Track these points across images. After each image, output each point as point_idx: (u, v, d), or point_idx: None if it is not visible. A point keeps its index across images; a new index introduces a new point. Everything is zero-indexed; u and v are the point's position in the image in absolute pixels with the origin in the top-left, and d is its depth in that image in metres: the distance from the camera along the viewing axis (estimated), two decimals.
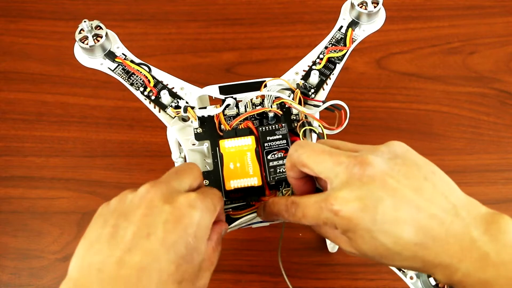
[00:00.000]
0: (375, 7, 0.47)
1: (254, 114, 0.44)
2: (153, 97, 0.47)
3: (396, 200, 0.29)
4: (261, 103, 0.45)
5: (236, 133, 0.43)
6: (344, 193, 0.30)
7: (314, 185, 0.37)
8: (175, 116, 0.46)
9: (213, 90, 0.44)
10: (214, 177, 0.42)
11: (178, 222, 0.29)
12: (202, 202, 0.31)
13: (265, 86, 0.44)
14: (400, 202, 0.29)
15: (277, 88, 0.45)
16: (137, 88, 0.47)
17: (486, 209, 0.30)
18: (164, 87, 0.47)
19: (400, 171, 0.30)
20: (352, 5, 0.48)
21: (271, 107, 0.44)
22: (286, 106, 0.45)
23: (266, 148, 0.41)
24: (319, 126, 0.44)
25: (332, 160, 0.32)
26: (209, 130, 0.45)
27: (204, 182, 0.42)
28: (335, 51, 0.48)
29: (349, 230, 0.30)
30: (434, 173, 0.31)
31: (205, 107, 0.45)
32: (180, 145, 0.47)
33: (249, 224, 0.42)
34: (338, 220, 0.30)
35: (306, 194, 0.35)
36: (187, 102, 0.46)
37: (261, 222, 0.42)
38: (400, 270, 0.40)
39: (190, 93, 0.47)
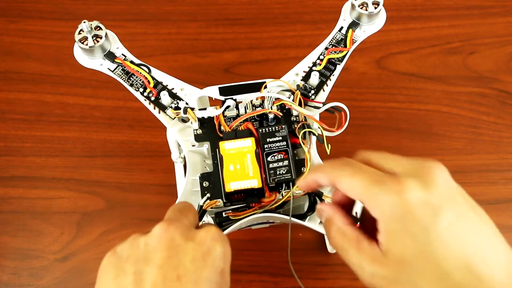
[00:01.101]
0: (375, 8, 0.47)
1: (254, 116, 0.44)
2: (153, 98, 0.47)
3: (460, 213, 0.28)
4: (261, 105, 0.45)
5: (236, 134, 0.43)
6: (410, 185, 0.28)
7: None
8: (175, 117, 0.46)
9: (213, 91, 0.44)
10: (214, 178, 0.42)
11: (206, 258, 0.29)
12: (222, 235, 0.31)
13: (265, 87, 0.44)
14: (464, 217, 0.27)
15: (277, 89, 0.45)
16: (137, 89, 0.47)
17: None
18: (164, 88, 0.47)
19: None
20: (353, 6, 0.48)
21: (271, 109, 0.44)
22: (286, 107, 0.45)
23: (266, 149, 0.42)
24: (319, 127, 0.44)
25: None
26: (209, 132, 0.45)
27: (204, 184, 0.43)
28: (335, 52, 0.48)
29: (402, 220, 0.27)
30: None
31: (205, 108, 0.45)
32: (180, 146, 0.47)
33: (249, 226, 0.42)
34: (395, 203, 0.27)
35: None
36: (187, 103, 0.46)
37: (260, 224, 0.42)
38: None
39: (190, 94, 0.47)
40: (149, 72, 0.48)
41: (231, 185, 0.40)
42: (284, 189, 0.41)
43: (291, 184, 0.41)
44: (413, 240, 0.27)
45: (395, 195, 0.27)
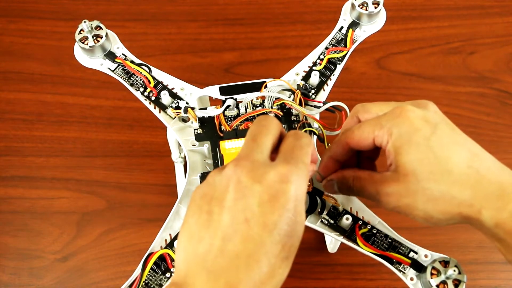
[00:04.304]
0: (375, 7, 0.47)
1: (254, 115, 0.44)
2: (153, 98, 0.47)
3: (452, 128, 0.33)
4: (262, 104, 0.45)
5: (236, 134, 0.43)
6: (409, 107, 0.33)
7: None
8: (175, 117, 0.46)
9: (214, 91, 0.44)
10: None
11: (273, 201, 0.28)
12: (294, 172, 0.29)
13: (266, 87, 0.44)
14: (455, 131, 0.33)
15: (277, 89, 0.45)
16: (137, 89, 0.47)
17: None
18: (164, 87, 0.47)
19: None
20: (353, 5, 0.48)
21: (272, 108, 0.44)
22: (287, 107, 0.45)
23: None
24: (319, 127, 0.44)
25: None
26: (210, 131, 0.45)
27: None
28: (335, 52, 0.48)
29: (407, 134, 0.32)
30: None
31: (206, 108, 0.45)
32: (180, 145, 0.47)
33: None
34: (400, 122, 0.33)
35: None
36: (187, 103, 0.46)
37: None
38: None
39: (190, 93, 0.47)
40: (150, 71, 0.48)
41: None
42: None
43: None
44: (418, 149, 0.32)
45: (399, 117, 0.33)
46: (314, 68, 0.48)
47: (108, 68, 0.48)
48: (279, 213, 0.28)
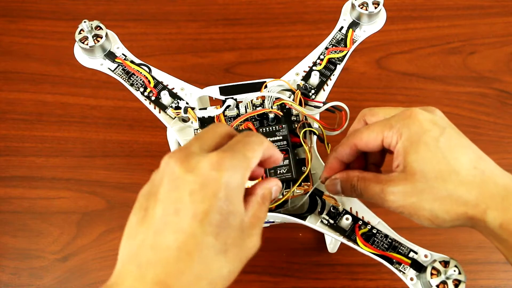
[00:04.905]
0: (376, 7, 0.47)
1: (254, 115, 0.44)
2: (153, 98, 0.47)
3: (458, 132, 0.34)
4: (262, 104, 0.45)
5: None
6: (419, 110, 0.34)
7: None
8: (175, 117, 0.46)
9: (214, 91, 0.44)
10: None
11: (204, 190, 0.27)
12: (228, 160, 0.28)
13: (266, 87, 0.44)
14: (461, 135, 0.34)
15: (277, 89, 0.45)
16: (137, 89, 0.47)
17: None
18: (164, 87, 0.47)
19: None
20: (353, 5, 0.48)
21: (272, 108, 0.44)
22: (287, 107, 0.45)
23: None
24: (319, 127, 0.44)
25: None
26: None
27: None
28: (335, 52, 0.48)
29: (417, 134, 0.33)
30: None
31: (206, 108, 0.45)
32: (180, 145, 0.47)
33: None
34: (410, 122, 0.33)
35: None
36: (187, 103, 0.46)
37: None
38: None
39: (190, 93, 0.47)
40: (150, 71, 0.48)
41: None
42: (285, 188, 0.41)
43: (291, 183, 0.41)
44: (427, 149, 0.33)
45: (409, 118, 0.34)
46: (314, 68, 0.48)
47: (108, 68, 0.48)
48: (209, 202, 0.27)
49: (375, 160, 0.39)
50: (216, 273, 0.27)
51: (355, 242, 0.41)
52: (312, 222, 0.42)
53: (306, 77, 0.47)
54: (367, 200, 0.37)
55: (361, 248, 0.40)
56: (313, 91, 0.47)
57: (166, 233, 0.27)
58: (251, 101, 0.45)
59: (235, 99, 0.44)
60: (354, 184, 0.36)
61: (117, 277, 0.28)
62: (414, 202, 0.33)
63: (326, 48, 0.48)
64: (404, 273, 0.40)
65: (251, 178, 0.32)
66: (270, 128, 0.43)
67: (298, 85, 0.47)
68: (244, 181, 0.29)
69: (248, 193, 0.31)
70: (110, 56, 0.48)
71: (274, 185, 0.33)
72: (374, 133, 0.35)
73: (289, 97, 0.45)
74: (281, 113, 0.44)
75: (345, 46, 0.48)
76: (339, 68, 0.48)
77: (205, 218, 0.27)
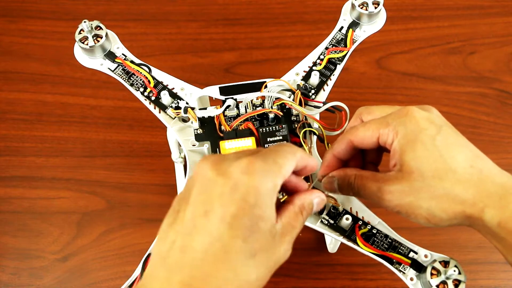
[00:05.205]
0: (375, 8, 0.47)
1: (254, 115, 0.44)
2: (153, 98, 0.47)
3: (455, 131, 0.34)
4: (262, 104, 0.45)
5: (236, 134, 0.43)
6: (415, 108, 0.34)
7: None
8: (175, 117, 0.46)
9: (214, 91, 0.44)
10: None
11: (233, 193, 0.27)
12: (258, 165, 0.28)
13: (266, 87, 0.44)
14: (458, 134, 0.34)
15: (277, 89, 0.45)
16: (137, 89, 0.47)
17: None
18: (164, 87, 0.47)
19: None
20: (353, 5, 0.48)
21: (272, 108, 0.44)
22: (287, 107, 0.45)
23: None
24: (319, 127, 0.44)
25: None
26: (209, 131, 0.45)
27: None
28: (335, 52, 0.48)
29: (413, 132, 0.33)
30: None
31: (205, 108, 0.45)
32: (180, 145, 0.47)
33: None
34: (407, 120, 0.33)
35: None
36: (187, 103, 0.46)
37: None
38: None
39: (190, 93, 0.47)
40: (150, 71, 0.48)
41: None
42: None
43: None
44: (423, 147, 0.32)
45: (405, 116, 0.33)
46: (314, 68, 0.48)
47: (108, 68, 0.48)
48: (238, 205, 0.27)
49: (372, 159, 0.39)
50: (243, 277, 0.27)
51: (355, 242, 0.41)
52: (312, 222, 0.42)
53: (306, 77, 0.47)
54: (364, 199, 0.37)
55: (361, 248, 0.40)
56: (313, 91, 0.47)
57: (194, 235, 0.27)
58: (251, 101, 0.45)
59: (235, 99, 0.44)
60: (351, 182, 0.36)
61: (146, 278, 0.28)
62: (411, 201, 0.33)
63: (326, 48, 0.48)
64: (404, 273, 0.40)
65: (291, 190, 0.32)
66: (270, 128, 0.43)
67: (298, 85, 0.47)
68: (275, 187, 0.28)
69: (287, 201, 0.31)
70: (110, 56, 0.48)
71: (316, 197, 0.32)
72: (370, 130, 0.35)
73: (289, 97, 0.45)
74: (281, 113, 0.44)
75: (345, 46, 0.48)
76: (339, 68, 0.47)
77: (233, 221, 0.26)
